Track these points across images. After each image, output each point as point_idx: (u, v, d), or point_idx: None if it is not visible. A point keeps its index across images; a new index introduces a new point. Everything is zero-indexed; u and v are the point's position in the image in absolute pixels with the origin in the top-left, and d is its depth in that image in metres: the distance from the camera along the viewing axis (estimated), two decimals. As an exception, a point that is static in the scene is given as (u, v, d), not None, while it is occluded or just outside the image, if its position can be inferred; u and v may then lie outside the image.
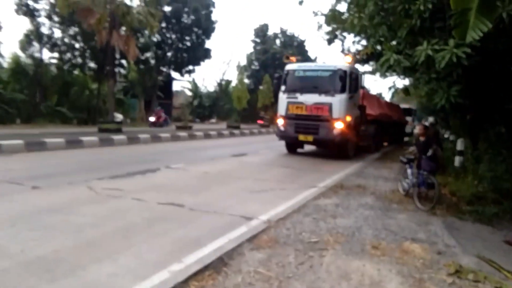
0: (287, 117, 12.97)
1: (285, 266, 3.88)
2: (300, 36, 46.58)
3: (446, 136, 18.89)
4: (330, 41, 19.20)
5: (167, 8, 29.57)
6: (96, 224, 4.86)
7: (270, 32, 45.13)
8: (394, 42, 7.74)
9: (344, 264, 3.99)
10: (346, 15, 12.15)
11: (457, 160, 10.21)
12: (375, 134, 15.72)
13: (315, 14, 15.51)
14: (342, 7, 13.28)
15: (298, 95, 12.76)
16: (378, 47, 8.85)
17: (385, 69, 7.00)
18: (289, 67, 13.53)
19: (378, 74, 19.11)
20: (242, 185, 7.79)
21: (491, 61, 7.30)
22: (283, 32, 45.42)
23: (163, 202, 6.02)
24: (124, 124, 21.90)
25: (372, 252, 4.37)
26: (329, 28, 17.10)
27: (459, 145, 10.38)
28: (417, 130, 10.29)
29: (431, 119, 10.58)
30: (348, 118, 12.27)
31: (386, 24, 7.58)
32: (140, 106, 30.24)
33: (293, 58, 14.20)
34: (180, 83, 45.41)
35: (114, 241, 4.33)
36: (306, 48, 45.92)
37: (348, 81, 12.27)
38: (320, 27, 16.98)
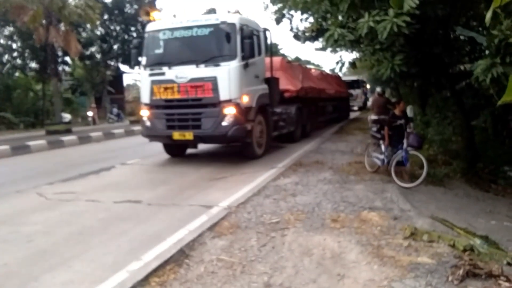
0: (153, 105, 8.68)
1: (248, 250, 3.86)
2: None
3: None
4: (278, 21, 19.17)
5: (108, -1, 28.36)
6: (47, 231, 4.63)
7: (218, 16, 44.46)
8: (340, 17, 7.78)
9: (306, 240, 4.03)
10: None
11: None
12: (298, 116, 11.84)
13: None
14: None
15: (165, 69, 8.48)
16: (324, 23, 8.89)
17: (330, 44, 7.02)
18: (150, 27, 9.26)
19: (329, 50, 19.36)
20: (202, 174, 7.67)
21: (432, 27, 7.51)
22: (231, 15, 44.89)
23: (119, 201, 5.83)
24: (75, 123, 21.04)
25: (332, 225, 4.43)
26: (275, 8, 17.04)
27: (409, 111, 10.69)
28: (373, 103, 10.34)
29: (378, 89, 10.64)
30: (246, 99, 8.33)
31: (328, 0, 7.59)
32: (90, 103, 29.13)
33: (154, 14, 9.37)
34: (132, 76, 44.05)
35: (68, 248, 4.13)
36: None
37: (239, 40, 8.17)
38: (266, 7, 16.92)
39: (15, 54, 24.22)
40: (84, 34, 26.35)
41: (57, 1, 17.26)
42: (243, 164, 8.41)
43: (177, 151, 9.74)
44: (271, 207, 5.20)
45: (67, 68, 28.32)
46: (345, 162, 8.24)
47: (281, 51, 41.91)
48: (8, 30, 23.11)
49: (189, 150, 10.03)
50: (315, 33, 15.70)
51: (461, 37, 8.50)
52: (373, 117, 9.68)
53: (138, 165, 9.03)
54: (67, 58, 25.89)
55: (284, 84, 11.07)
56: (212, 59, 8.18)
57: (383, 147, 7.05)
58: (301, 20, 16.81)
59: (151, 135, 8.92)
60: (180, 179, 7.30)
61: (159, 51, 8.86)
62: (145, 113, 8.80)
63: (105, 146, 13.42)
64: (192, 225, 4.57)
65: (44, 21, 17.28)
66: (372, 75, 28.53)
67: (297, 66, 14.62)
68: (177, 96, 8.35)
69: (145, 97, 8.77)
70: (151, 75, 8.66)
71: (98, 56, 29.33)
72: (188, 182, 7.06)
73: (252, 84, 8.72)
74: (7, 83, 23.22)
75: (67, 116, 20.55)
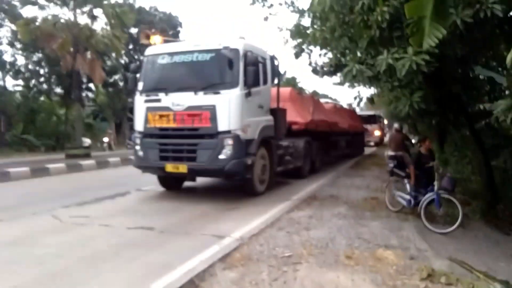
0: (146, 133, 8.17)
1: (259, 284, 3.78)
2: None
3: (414, 141, 19.34)
4: (297, 55, 19.48)
5: (133, 30, 29.44)
6: (60, 254, 4.64)
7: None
8: (359, 54, 7.87)
9: (318, 276, 3.93)
10: (310, 29, 12.28)
11: (426, 164, 10.40)
12: (307, 150, 11.17)
13: (280, 29, 15.69)
14: (306, 22, 13.45)
15: (162, 95, 7.95)
16: (342, 59, 8.99)
17: (349, 79, 7.08)
18: (149, 51, 8.65)
19: (347, 85, 19.45)
20: (215, 203, 7.65)
21: (451, 66, 7.52)
22: (252, 48, 45.86)
23: (132, 227, 5.83)
24: (94, 148, 21.41)
25: (345, 262, 4.33)
26: (295, 42, 17.32)
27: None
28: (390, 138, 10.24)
29: (396, 125, 10.51)
30: (247, 130, 7.74)
31: (348, 36, 7.71)
32: (108, 129, 29.76)
33: (157, 38, 8.94)
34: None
35: (78, 271, 4.13)
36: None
37: (242, 67, 7.64)
38: (286, 42, 17.24)
39: (41, 79, 25.16)
40: (108, 62, 27.30)
41: (86, 30, 18.06)
42: (256, 196, 8.37)
43: (172, 184, 9.07)
44: (284, 240, 5.13)
45: (90, 94, 29.22)
46: (361, 197, 8.13)
47: (300, 85, 42.42)
48: (36, 56, 24.12)
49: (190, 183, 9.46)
50: (333, 68, 15.81)
51: (481, 77, 8.48)
52: (390, 153, 9.59)
53: (152, 192, 9.06)
54: (91, 85, 26.74)
55: (293, 116, 10.49)
56: (212, 86, 7.63)
57: (408, 186, 6.75)
58: (320, 55, 17.00)
59: (142, 165, 8.32)
60: (193, 208, 7.29)
61: (157, 76, 8.34)
62: (138, 141, 8.29)
63: (122, 171, 13.55)
64: (203, 255, 4.51)
65: (71, 49, 18.00)
66: (389, 111, 28.46)
67: (308, 97, 14.06)
68: (172, 124, 7.80)
69: (139, 125, 8.26)
70: (146, 101, 8.13)
71: (121, 83, 30.23)
72: (201, 211, 7.04)
73: (255, 114, 8.13)
74: (32, 107, 23.98)
75: (87, 141, 20.96)
